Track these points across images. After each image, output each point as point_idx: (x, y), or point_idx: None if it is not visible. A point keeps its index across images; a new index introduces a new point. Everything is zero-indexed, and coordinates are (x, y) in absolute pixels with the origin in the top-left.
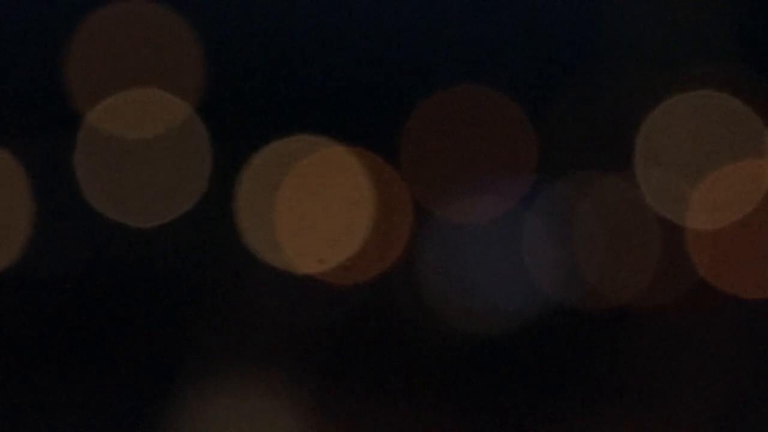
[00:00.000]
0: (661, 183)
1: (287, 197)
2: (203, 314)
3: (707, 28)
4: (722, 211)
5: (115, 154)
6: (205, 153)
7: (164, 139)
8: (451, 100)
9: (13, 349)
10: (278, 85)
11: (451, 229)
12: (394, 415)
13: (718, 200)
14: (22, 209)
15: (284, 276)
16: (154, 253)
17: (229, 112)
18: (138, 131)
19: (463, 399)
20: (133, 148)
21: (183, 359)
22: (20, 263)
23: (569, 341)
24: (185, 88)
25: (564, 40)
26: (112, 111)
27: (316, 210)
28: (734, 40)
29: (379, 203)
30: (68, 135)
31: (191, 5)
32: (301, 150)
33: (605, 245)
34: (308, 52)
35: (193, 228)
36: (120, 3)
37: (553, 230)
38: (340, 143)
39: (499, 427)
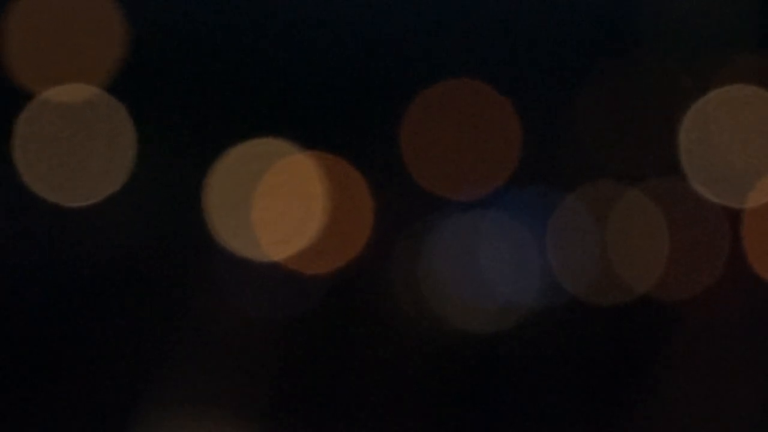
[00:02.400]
0: (701, 171)
1: (254, 193)
2: (166, 304)
3: (728, 20)
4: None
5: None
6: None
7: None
8: (451, 94)
9: None
10: (250, 83)
11: (467, 222)
12: (367, 408)
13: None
14: None
15: (250, 264)
16: (108, 238)
17: (217, 106)
18: (71, 121)
19: (458, 396)
20: (67, 134)
21: (139, 351)
22: None
23: (590, 335)
24: (101, 71)
25: (587, 30)
26: (50, 101)
27: (279, 202)
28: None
29: (336, 196)
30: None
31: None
32: (270, 153)
33: (627, 241)
34: (290, 49)
35: (160, 217)
36: None
37: (571, 226)
38: (315, 144)
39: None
